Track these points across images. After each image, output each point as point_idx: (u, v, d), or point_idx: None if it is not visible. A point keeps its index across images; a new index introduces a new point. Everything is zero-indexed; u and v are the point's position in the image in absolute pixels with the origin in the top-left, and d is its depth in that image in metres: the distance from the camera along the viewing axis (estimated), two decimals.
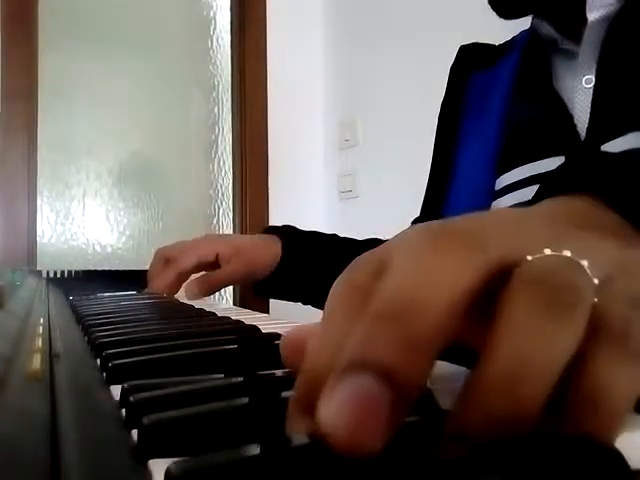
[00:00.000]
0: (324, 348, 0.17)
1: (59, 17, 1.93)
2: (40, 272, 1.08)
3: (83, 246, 1.94)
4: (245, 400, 0.18)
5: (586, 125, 0.56)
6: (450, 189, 0.71)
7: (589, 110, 0.56)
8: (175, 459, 0.14)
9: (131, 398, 0.19)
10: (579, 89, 0.57)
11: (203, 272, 0.85)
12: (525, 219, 0.21)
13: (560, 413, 0.15)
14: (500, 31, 0.75)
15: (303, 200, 2.11)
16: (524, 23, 0.68)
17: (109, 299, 0.66)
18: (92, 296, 0.68)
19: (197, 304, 0.63)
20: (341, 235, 0.92)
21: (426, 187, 0.79)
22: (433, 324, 0.15)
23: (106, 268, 1.83)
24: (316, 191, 2.13)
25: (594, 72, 0.56)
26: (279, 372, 0.23)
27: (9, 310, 0.45)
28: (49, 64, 1.89)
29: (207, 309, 0.53)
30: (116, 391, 0.22)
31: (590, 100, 0.56)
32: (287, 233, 0.86)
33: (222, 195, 2.11)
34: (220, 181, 2.10)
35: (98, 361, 0.29)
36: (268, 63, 2.08)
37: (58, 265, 1.80)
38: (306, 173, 2.13)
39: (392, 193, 1.77)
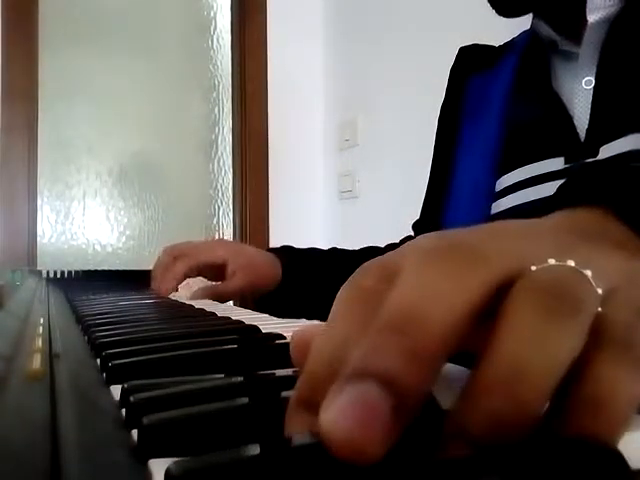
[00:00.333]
0: (327, 350, 0.17)
1: (59, 17, 1.93)
2: (40, 272, 1.08)
3: (83, 246, 1.94)
4: (245, 400, 0.18)
5: (586, 126, 0.56)
6: (450, 191, 0.71)
7: (589, 111, 0.56)
8: (175, 459, 0.14)
9: (131, 398, 0.19)
10: (579, 90, 0.57)
11: (200, 277, 0.84)
12: (530, 231, 0.21)
13: (561, 417, 0.15)
14: (500, 32, 0.75)
15: (303, 200, 2.11)
16: (524, 23, 0.68)
17: (109, 299, 0.66)
18: (92, 296, 0.68)
19: (197, 304, 0.63)
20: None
21: (426, 189, 0.79)
22: (438, 336, 0.15)
23: (106, 268, 1.83)
24: (316, 191, 2.13)
25: (594, 73, 0.56)
26: (279, 372, 0.23)
27: (9, 310, 0.45)
28: (49, 64, 1.90)
29: (207, 309, 0.53)
30: (116, 391, 0.22)
31: (590, 101, 0.56)
32: (286, 254, 0.85)
33: (222, 195, 2.11)
34: (220, 181, 2.11)
35: (98, 361, 0.29)
36: (268, 63, 2.08)
37: (58, 265, 1.80)
38: (306, 173, 2.13)
39: (392, 193, 1.77)
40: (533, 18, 0.65)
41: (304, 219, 2.09)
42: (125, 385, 0.21)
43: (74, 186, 1.94)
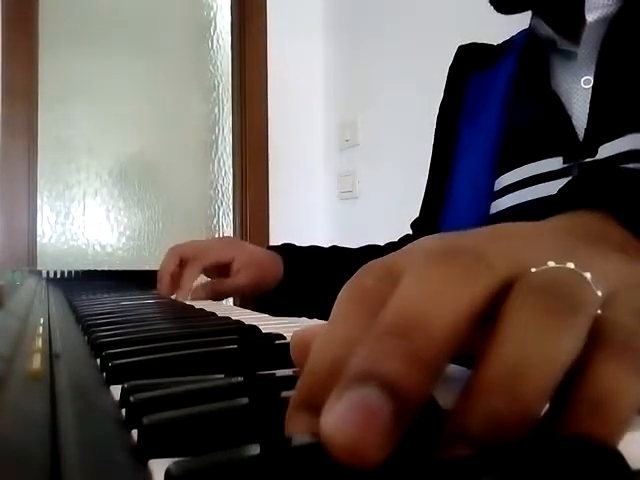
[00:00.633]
0: (327, 350, 0.17)
1: (59, 17, 1.93)
2: (40, 272, 1.08)
3: (83, 246, 1.94)
4: (245, 400, 0.18)
5: (584, 126, 0.56)
6: (449, 190, 0.71)
7: (587, 111, 0.56)
8: (175, 459, 0.14)
9: (131, 398, 0.19)
10: (578, 90, 0.57)
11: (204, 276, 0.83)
12: (531, 234, 0.21)
13: (561, 417, 0.15)
14: (500, 31, 0.75)
15: (303, 200, 2.11)
16: (523, 22, 0.68)
17: (109, 299, 0.66)
18: (92, 296, 0.68)
19: (197, 304, 0.63)
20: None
21: (425, 188, 0.79)
22: (440, 340, 0.15)
23: (106, 268, 1.83)
24: (316, 191, 2.13)
25: (593, 73, 0.56)
26: (279, 372, 0.23)
27: (9, 310, 0.45)
28: (49, 64, 1.90)
29: (207, 309, 0.54)
30: (116, 391, 0.22)
31: (589, 101, 0.56)
32: (288, 252, 0.85)
33: (222, 195, 2.11)
34: (220, 181, 2.11)
35: (98, 361, 0.29)
36: (268, 63, 2.08)
37: (58, 265, 1.80)
38: (306, 173, 2.13)
39: (392, 193, 1.77)
40: (532, 17, 0.65)
41: (304, 219, 2.09)
42: (125, 385, 0.21)
43: (74, 186, 1.94)
